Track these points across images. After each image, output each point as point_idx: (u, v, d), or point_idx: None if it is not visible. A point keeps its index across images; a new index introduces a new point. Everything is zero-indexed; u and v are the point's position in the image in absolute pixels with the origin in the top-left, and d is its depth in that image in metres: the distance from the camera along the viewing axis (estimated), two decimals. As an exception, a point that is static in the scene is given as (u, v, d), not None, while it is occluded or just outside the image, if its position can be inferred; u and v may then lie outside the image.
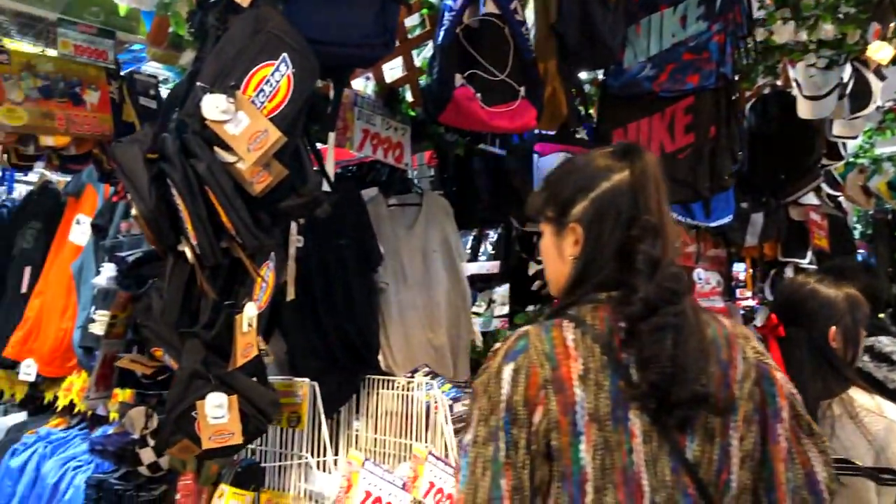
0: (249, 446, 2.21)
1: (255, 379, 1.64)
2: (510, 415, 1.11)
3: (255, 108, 1.41)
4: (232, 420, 1.55)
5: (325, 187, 2.22)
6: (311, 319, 2.50)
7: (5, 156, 2.17)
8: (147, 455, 2.17)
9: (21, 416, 3.22)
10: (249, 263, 1.53)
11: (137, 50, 2.38)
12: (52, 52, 2.08)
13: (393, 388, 2.46)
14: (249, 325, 1.55)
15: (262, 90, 1.44)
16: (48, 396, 3.09)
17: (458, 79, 2.33)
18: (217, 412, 1.53)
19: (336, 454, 2.19)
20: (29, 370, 3.05)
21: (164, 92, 2.30)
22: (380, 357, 2.69)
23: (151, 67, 2.45)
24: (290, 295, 2.20)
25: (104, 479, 2.40)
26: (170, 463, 2.17)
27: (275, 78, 1.45)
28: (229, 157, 1.42)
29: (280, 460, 2.16)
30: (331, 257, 2.54)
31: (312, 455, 2.13)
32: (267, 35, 1.46)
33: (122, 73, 2.20)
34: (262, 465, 2.14)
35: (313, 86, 1.58)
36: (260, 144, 1.44)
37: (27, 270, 3.27)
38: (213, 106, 1.38)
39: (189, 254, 1.57)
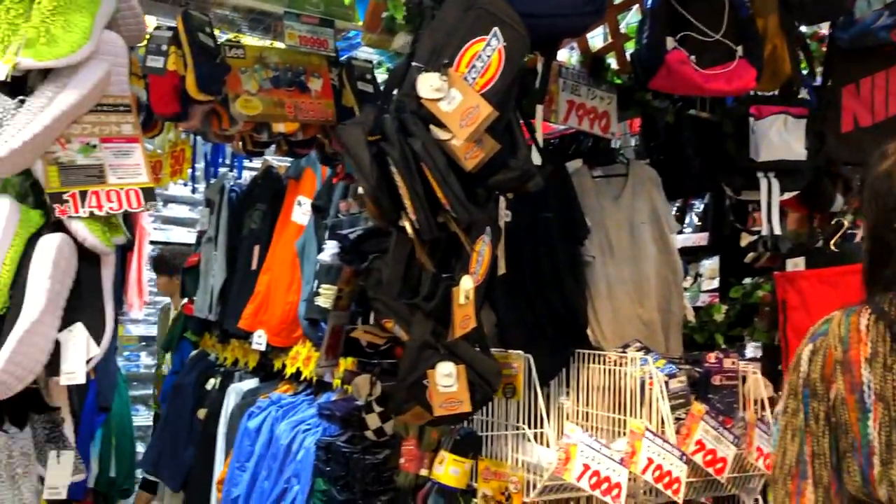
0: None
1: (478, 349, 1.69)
2: (809, 390, 1.27)
3: (467, 85, 1.43)
4: (461, 388, 1.60)
5: (537, 160, 2.23)
6: (520, 293, 2.52)
7: (240, 143, 2.37)
8: (373, 420, 2.30)
9: (254, 382, 3.52)
10: (464, 237, 1.57)
11: (353, 37, 2.50)
12: (279, 45, 2.23)
13: (604, 363, 2.43)
14: (466, 298, 1.59)
15: (473, 66, 1.46)
16: (277, 364, 3.36)
17: (670, 42, 2.24)
18: (447, 381, 1.59)
19: (542, 427, 2.20)
20: (260, 340, 3.32)
21: (379, 76, 2.40)
22: (588, 332, 2.66)
23: (365, 53, 2.56)
24: (501, 269, 2.22)
25: (332, 441, 2.58)
26: (394, 428, 2.29)
27: (486, 53, 1.47)
28: (443, 135, 1.45)
29: (496, 430, 2.21)
30: (538, 231, 2.54)
31: (527, 426, 2.16)
32: (478, 11, 1.47)
33: (340, 60, 2.32)
34: (480, 433, 2.20)
35: (524, 59, 1.58)
36: (472, 120, 1.46)
37: (256, 249, 3.56)
38: (428, 84, 1.42)
39: (409, 228, 1.63)
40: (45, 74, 1.44)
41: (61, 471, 1.59)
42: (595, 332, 2.70)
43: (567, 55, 2.68)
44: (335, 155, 2.39)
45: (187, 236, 5.26)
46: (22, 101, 1.41)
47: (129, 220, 4.06)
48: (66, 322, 1.45)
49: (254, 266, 3.51)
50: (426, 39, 1.51)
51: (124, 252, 4.66)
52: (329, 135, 2.29)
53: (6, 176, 1.45)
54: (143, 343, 5.77)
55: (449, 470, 2.15)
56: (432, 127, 1.47)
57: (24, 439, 1.53)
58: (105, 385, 4.55)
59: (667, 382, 2.36)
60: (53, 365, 1.44)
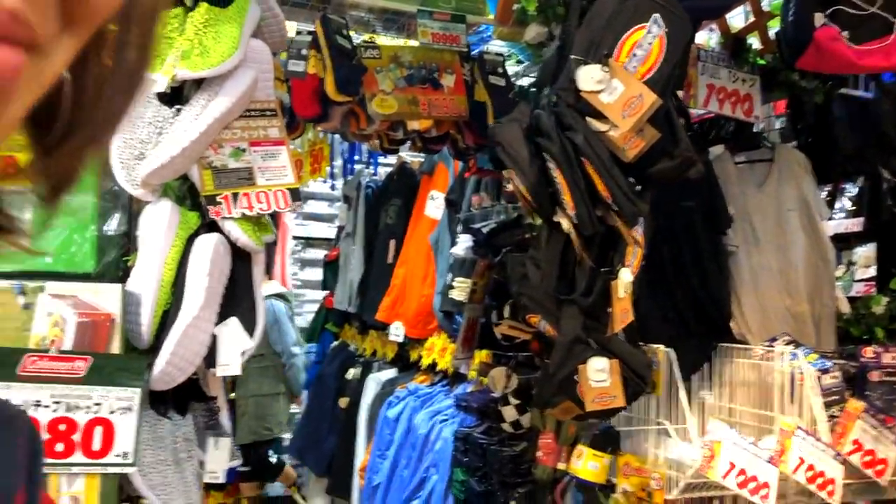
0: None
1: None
2: None
3: (629, 74, 1.40)
4: (614, 383, 1.58)
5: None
6: (661, 284, 2.44)
7: (377, 141, 2.43)
8: (509, 413, 2.31)
9: (392, 372, 3.61)
10: (626, 231, 1.54)
11: (483, 31, 2.51)
12: (412, 43, 2.26)
13: (750, 358, 2.33)
14: (625, 291, 1.56)
15: (634, 55, 1.43)
16: (413, 355, 3.43)
17: (819, 18, 2.10)
18: (599, 376, 1.57)
19: (684, 423, 2.14)
20: (397, 332, 3.40)
21: (510, 69, 2.40)
22: (732, 325, 2.56)
23: (496, 46, 2.56)
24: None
25: (469, 432, 2.61)
26: (531, 421, 2.29)
27: (647, 41, 1.43)
28: (601, 126, 1.43)
29: (635, 425, 2.16)
30: (678, 221, 2.46)
31: (668, 422, 2.11)
32: (636, 0, 1.44)
33: (472, 55, 2.33)
34: (619, 429, 2.16)
35: (685, 42, 1.53)
36: (635, 110, 1.43)
37: (391, 243, 3.65)
38: (589, 77, 1.40)
39: (565, 224, 1.62)
40: (199, 84, 1.53)
41: (219, 455, 1.69)
42: (739, 324, 2.58)
43: (706, 37, 2.58)
44: (467, 150, 2.41)
45: (327, 231, 5.45)
46: (178, 110, 1.51)
47: (273, 216, 4.25)
48: (221, 317, 1.54)
49: (390, 259, 3.60)
50: (583, 31, 1.49)
51: (269, 247, 4.88)
52: (461, 130, 2.31)
53: (167, 181, 1.56)
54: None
55: (587, 465, 2.13)
56: (589, 119, 1.45)
57: (187, 426, 1.64)
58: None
59: (819, 378, 2.23)
60: (211, 357, 1.53)
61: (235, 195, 1.54)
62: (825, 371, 2.27)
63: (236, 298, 1.56)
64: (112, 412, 1.39)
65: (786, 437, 2.02)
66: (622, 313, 1.56)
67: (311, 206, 5.67)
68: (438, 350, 3.24)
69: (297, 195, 1.58)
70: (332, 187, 4.69)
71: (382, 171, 4.19)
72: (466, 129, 2.35)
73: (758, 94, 2.51)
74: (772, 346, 2.30)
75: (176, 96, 1.53)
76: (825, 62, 2.17)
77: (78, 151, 0.32)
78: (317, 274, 5.30)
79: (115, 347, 1.44)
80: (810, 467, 2.00)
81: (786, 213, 2.66)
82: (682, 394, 2.07)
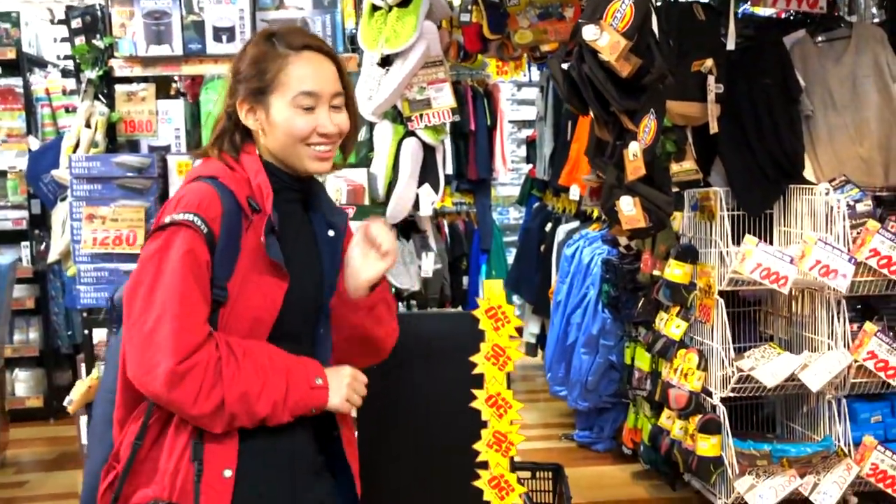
0: (686, 233, 3.24)
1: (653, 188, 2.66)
2: None
3: (612, 28, 2.36)
4: (638, 213, 2.61)
5: (731, 46, 2.99)
6: (743, 145, 3.28)
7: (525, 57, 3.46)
8: (622, 239, 3.38)
9: (575, 224, 4.74)
10: (626, 119, 2.52)
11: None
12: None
13: (811, 195, 3.15)
14: (634, 155, 2.55)
15: (615, 17, 2.38)
16: (588, 210, 4.52)
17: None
18: (628, 207, 2.61)
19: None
20: (575, 192, 4.51)
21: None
22: (811, 172, 3.32)
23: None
24: (713, 129, 3.07)
25: (609, 258, 3.71)
26: (636, 245, 3.34)
27: (622, 9, 2.37)
28: (603, 58, 2.40)
29: (704, 247, 3.12)
30: (756, 94, 3.25)
31: (726, 244, 3.03)
32: None
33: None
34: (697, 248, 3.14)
35: (646, 8, 2.42)
36: (616, 49, 2.40)
37: (570, 124, 4.69)
38: (589, 31, 2.38)
39: (592, 115, 2.64)
40: (398, 53, 2.72)
41: (428, 263, 2.99)
42: (816, 171, 3.34)
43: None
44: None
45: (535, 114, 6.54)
46: (387, 70, 2.73)
47: (493, 106, 5.53)
48: (420, 183, 2.79)
49: (568, 137, 4.66)
50: (588, 5, 2.47)
51: (490, 132, 6.16)
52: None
53: (386, 110, 2.80)
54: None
55: (674, 271, 3.14)
56: (599, 54, 2.44)
57: (409, 245, 2.94)
58: (485, 233, 6.21)
59: (853, 206, 3.02)
60: (416, 205, 2.79)
61: (422, 115, 2.75)
62: (858, 201, 3.04)
63: (426, 172, 2.79)
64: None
65: (807, 245, 2.88)
66: (634, 169, 2.54)
67: (524, 93, 6.75)
68: (603, 204, 4.30)
69: (455, 112, 2.75)
70: (530, 80, 5.75)
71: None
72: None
73: (821, -14, 3.16)
74: (828, 186, 3.09)
75: (385, 61, 2.74)
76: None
77: (347, 151, 1.59)
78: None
79: (366, 201, 2.75)
80: (825, 266, 2.85)
81: (861, 79, 3.32)
82: (727, 223, 2.99)
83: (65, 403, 2.63)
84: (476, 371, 2.16)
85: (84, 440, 2.71)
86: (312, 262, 1.65)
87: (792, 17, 3.46)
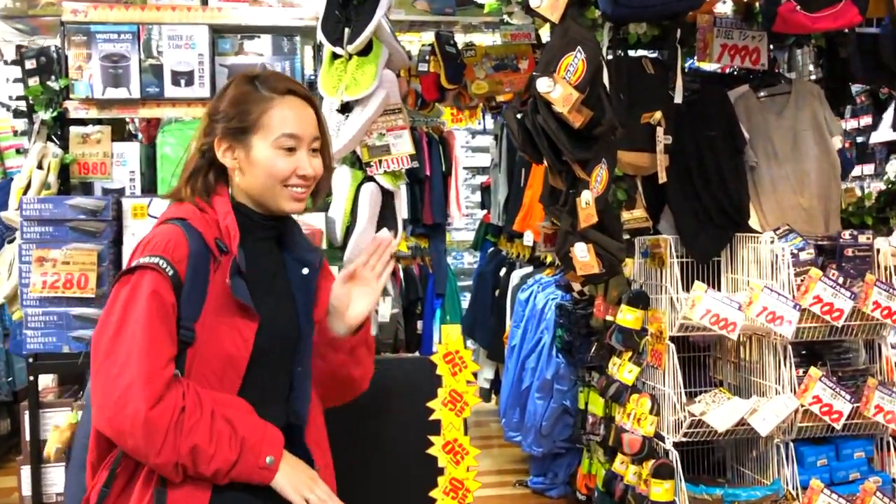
0: (638, 280, 3.31)
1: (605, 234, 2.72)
2: None
3: (565, 81, 2.44)
4: (591, 259, 2.66)
5: (679, 99, 3.11)
6: (689, 193, 3.37)
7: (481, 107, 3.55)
8: (576, 285, 3.43)
9: (528, 269, 4.80)
10: (578, 168, 2.59)
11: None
12: (498, 41, 3.36)
13: (757, 242, 3.25)
14: (587, 203, 2.61)
15: (568, 70, 2.46)
16: (542, 256, 4.59)
17: (782, -5, 2.93)
18: (582, 254, 2.66)
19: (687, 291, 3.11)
20: (528, 238, 4.58)
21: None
22: (755, 221, 3.44)
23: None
24: (661, 178, 3.17)
25: (563, 304, 3.76)
26: (589, 290, 3.40)
27: (574, 63, 2.45)
28: (557, 109, 2.48)
29: (655, 293, 3.20)
30: (703, 145, 3.35)
31: (676, 290, 3.11)
32: (567, 38, 2.46)
33: (542, 43, 3.38)
34: (648, 294, 3.21)
35: (598, 62, 2.52)
36: (569, 101, 2.48)
37: (523, 170, 4.79)
38: (543, 84, 2.45)
39: (546, 166, 2.72)
40: (357, 101, 2.76)
41: (385, 308, 3.00)
42: (760, 220, 3.46)
43: (721, 8, 3.40)
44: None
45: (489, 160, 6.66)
46: (347, 116, 2.76)
47: (448, 152, 5.56)
48: (378, 228, 2.81)
49: (522, 184, 4.74)
50: (542, 58, 2.55)
51: (445, 178, 6.22)
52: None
53: (345, 155, 2.82)
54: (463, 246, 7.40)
55: (626, 316, 3.20)
56: (552, 106, 2.51)
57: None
58: (440, 278, 6.22)
59: (797, 255, 3.13)
60: (374, 250, 2.80)
61: (381, 160, 2.78)
62: (801, 249, 3.15)
63: (385, 217, 2.82)
64: (325, 279, 2.71)
65: (754, 293, 2.97)
66: (586, 217, 2.60)
67: (478, 140, 6.87)
68: (557, 249, 4.37)
69: (414, 158, 2.79)
70: (484, 128, 5.86)
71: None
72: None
73: (765, 46, 3.31)
74: (773, 234, 3.20)
75: (345, 108, 2.77)
76: (791, 27, 2.98)
77: (319, 195, 1.59)
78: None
79: (323, 245, 2.76)
80: (771, 312, 2.94)
81: (801, 133, 3.47)
82: (676, 269, 3.07)
83: (44, 455, 2.53)
84: (433, 417, 2.15)
85: (25, 491, 2.62)
86: (286, 300, 1.67)
87: (735, 73, 3.61)
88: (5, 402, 4.95)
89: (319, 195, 1.72)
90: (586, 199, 2.58)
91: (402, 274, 5.96)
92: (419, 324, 6.11)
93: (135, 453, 1.42)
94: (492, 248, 5.47)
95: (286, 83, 1.64)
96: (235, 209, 1.60)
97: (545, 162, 2.67)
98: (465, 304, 6.34)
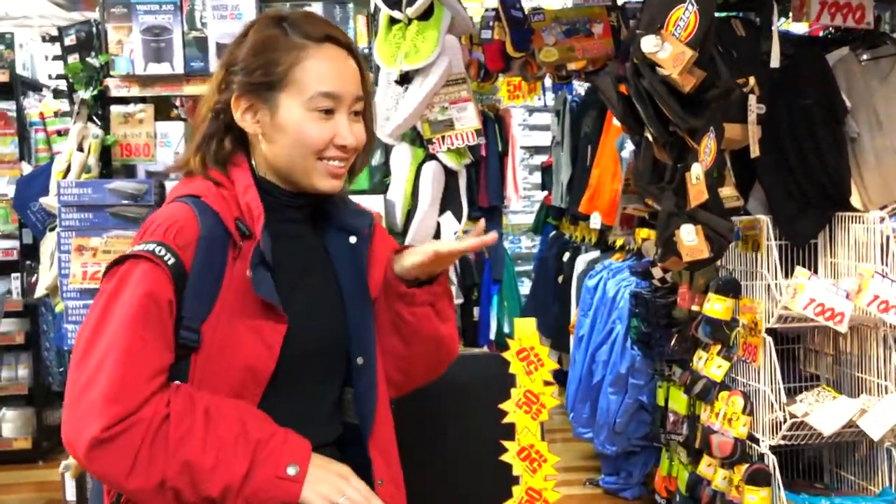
0: (727, 265, 2.99)
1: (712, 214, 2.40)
2: None
3: (675, 39, 2.13)
4: (700, 242, 2.36)
5: (775, 63, 2.78)
6: (785, 169, 3.05)
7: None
8: (657, 272, 3.13)
9: (595, 253, 4.50)
10: (687, 138, 2.29)
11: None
12: (568, 4, 3.05)
13: (861, 223, 2.91)
14: (697, 178, 2.30)
15: (678, 25, 2.15)
16: (610, 239, 4.29)
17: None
18: (689, 237, 2.35)
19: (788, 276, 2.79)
20: (596, 221, 4.27)
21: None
22: (857, 198, 3.09)
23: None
24: (754, 152, 2.84)
25: (639, 291, 3.46)
26: (672, 277, 3.09)
27: (685, 16, 2.14)
28: (664, 72, 2.18)
29: (747, 280, 2.88)
30: (797, 116, 3.03)
31: (774, 276, 2.80)
32: None
33: (618, 5, 3.07)
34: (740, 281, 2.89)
35: (711, 14, 2.21)
36: (680, 61, 2.17)
37: (589, 148, 4.48)
38: (649, 42, 2.15)
39: (650, 136, 2.41)
40: (417, 70, 2.50)
41: (450, 297, 2.74)
42: (862, 197, 3.12)
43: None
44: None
45: (548, 139, 6.35)
46: (406, 88, 2.50)
47: (505, 131, 5.27)
48: (440, 211, 2.55)
49: (587, 162, 4.43)
50: (645, 13, 2.25)
51: (501, 158, 5.94)
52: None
53: (405, 131, 2.57)
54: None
55: (715, 306, 2.89)
56: (658, 68, 2.20)
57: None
58: (497, 263, 5.95)
59: (908, 236, 2.78)
60: (437, 235, 2.55)
61: (443, 137, 2.52)
62: (914, 230, 2.80)
63: (448, 200, 2.56)
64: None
65: (864, 279, 2.64)
66: (696, 194, 2.29)
67: (536, 118, 6.56)
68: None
69: (480, 134, 2.52)
70: (545, 104, 5.55)
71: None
72: (620, 63, 3.11)
73: (870, 2, 2.95)
74: (881, 213, 2.86)
75: (404, 79, 2.51)
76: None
77: (355, 172, 1.33)
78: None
79: (383, 231, 2.51)
80: (884, 301, 2.61)
81: (907, 99, 3.10)
82: (775, 253, 2.75)
83: (60, 469, 2.35)
84: (506, 420, 1.89)
85: (69, 496, 2.45)
86: (324, 294, 1.37)
87: (830, 35, 3.25)
88: (58, 392, 4.85)
89: (356, 172, 1.40)
90: (696, 173, 2.27)
91: (457, 260, 5.71)
92: (475, 311, 5.86)
93: (103, 481, 1.18)
94: (553, 232, 5.18)
95: (323, 27, 1.32)
96: (257, 185, 1.30)
97: (648, 134, 2.36)
98: (523, 290, 6.07)
